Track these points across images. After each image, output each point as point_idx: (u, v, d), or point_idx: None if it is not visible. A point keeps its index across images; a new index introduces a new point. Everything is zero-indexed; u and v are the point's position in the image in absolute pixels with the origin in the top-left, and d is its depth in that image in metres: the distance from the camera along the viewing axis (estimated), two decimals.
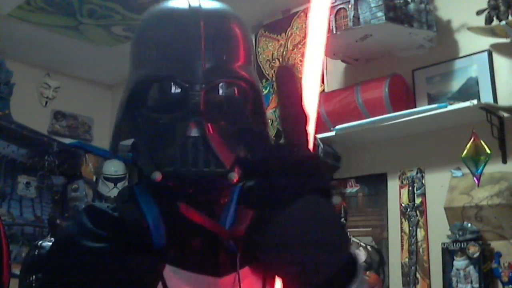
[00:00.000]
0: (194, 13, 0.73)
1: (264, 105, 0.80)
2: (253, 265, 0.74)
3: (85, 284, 0.69)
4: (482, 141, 1.85)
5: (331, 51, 2.41)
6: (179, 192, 0.73)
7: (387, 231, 2.25)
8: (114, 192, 3.40)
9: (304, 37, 2.51)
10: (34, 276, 0.82)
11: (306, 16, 2.37)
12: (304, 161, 0.53)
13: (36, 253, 0.87)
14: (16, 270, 2.81)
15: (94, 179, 3.48)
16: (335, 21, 2.14)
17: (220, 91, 0.73)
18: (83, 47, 3.27)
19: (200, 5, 0.75)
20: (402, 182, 2.25)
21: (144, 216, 0.71)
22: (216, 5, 0.77)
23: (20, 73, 3.37)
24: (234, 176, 0.71)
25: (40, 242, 0.89)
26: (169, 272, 0.71)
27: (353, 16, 2.07)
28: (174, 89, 0.72)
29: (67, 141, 3.51)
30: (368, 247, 2.29)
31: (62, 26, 2.99)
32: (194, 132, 0.70)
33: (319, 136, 2.32)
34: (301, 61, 2.73)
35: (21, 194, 3.18)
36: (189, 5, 0.74)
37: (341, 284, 0.57)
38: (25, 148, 3.22)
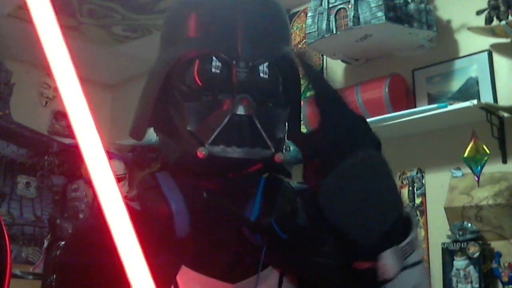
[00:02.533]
0: None
1: (301, 85, 0.78)
2: (275, 262, 0.71)
3: (94, 281, 0.67)
4: (481, 141, 1.86)
5: (331, 51, 2.41)
6: (212, 176, 0.71)
7: None
8: None
9: (304, 37, 2.51)
10: (54, 276, 0.83)
11: (306, 16, 2.37)
12: (361, 118, 0.59)
13: (57, 253, 0.87)
14: (16, 270, 2.81)
15: None
16: (335, 21, 2.13)
17: (265, 71, 0.71)
18: (83, 47, 3.27)
19: None
20: (402, 182, 2.25)
21: (168, 203, 0.67)
22: None
23: (20, 73, 3.37)
24: (283, 156, 0.70)
25: (62, 243, 0.89)
26: (184, 276, 0.69)
27: (353, 16, 2.07)
28: (217, 66, 0.69)
29: (67, 141, 3.51)
30: None
31: (62, 26, 2.99)
32: (241, 110, 0.66)
33: None
34: None
35: (20, 194, 3.18)
36: None
37: (394, 239, 0.60)
38: (25, 148, 3.22)
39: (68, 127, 3.68)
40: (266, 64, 0.71)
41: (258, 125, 0.68)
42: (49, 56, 0.33)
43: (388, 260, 0.59)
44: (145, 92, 0.76)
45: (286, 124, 0.75)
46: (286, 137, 0.75)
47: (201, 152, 0.66)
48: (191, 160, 0.69)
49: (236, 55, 0.69)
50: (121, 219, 0.32)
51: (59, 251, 0.86)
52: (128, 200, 0.74)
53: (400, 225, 0.61)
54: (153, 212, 0.68)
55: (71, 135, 3.67)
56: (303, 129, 0.92)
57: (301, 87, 0.78)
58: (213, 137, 0.67)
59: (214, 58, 0.69)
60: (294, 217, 0.71)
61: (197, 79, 0.70)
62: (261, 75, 0.71)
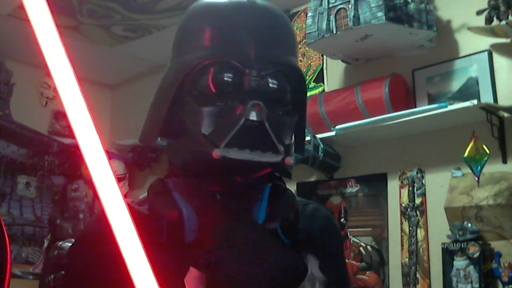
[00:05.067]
0: (252, 5, 0.76)
1: (307, 95, 0.82)
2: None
3: (104, 285, 0.69)
4: (481, 141, 1.86)
5: (331, 51, 2.41)
6: (222, 179, 0.74)
7: (387, 231, 2.25)
8: None
9: (304, 37, 2.51)
10: (52, 276, 0.83)
11: (306, 16, 2.37)
12: None
13: (55, 253, 0.88)
14: (16, 270, 2.81)
15: None
16: (335, 21, 2.13)
17: (274, 79, 0.75)
18: (83, 47, 3.27)
19: (255, 0, 0.77)
20: (402, 182, 2.25)
21: (179, 207, 0.70)
22: (268, 2, 0.80)
23: (20, 73, 3.37)
24: (292, 160, 0.73)
25: (60, 243, 0.89)
26: (191, 276, 0.70)
27: (353, 16, 2.07)
28: (229, 74, 0.72)
29: (67, 141, 3.51)
30: (368, 247, 2.29)
31: (62, 26, 2.99)
32: (253, 116, 0.70)
33: (319, 136, 2.32)
34: (301, 61, 2.73)
35: (20, 194, 3.18)
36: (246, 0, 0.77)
37: None
38: (25, 148, 3.22)
39: (68, 127, 3.68)
40: (276, 73, 0.75)
41: (270, 131, 0.71)
42: (47, 58, 0.33)
43: None
44: (158, 98, 0.78)
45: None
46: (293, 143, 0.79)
47: (216, 153, 0.69)
48: (204, 163, 0.72)
49: (249, 64, 0.72)
50: (121, 218, 0.32)
51: (56, 251, 0.86)
52: (135, 204, 0.76)
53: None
54: (164, 216, 0.70)
55: (71, 135, 3.66)
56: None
57: (307, 97, 0.82)
58: (227, 140, 0.70)
59: (228, 66, 0.72)
60: (296, 225, 0.75)
61: (211, 85, 0.72)
62: (271, 84, 0.74)
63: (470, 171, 1.91)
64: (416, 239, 2.14)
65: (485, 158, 1.84)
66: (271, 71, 0.74)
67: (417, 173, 2.21)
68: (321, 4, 2.20)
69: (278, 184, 0.79)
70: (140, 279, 0.32)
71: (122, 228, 0.33)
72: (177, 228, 0.69)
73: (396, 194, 2.25)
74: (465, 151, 1.87)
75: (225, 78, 0.72)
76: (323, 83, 2.62)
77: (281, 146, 0.73)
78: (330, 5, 2.16)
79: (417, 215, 2.16)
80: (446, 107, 1.95)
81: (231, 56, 0.72)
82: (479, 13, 1.99)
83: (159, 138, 0.80)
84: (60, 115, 3.67)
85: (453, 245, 1.93)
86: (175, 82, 0.74)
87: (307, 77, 2.68)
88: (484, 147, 1.85)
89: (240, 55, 0.72)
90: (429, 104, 2.15)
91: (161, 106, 0.76)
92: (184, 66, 0.74)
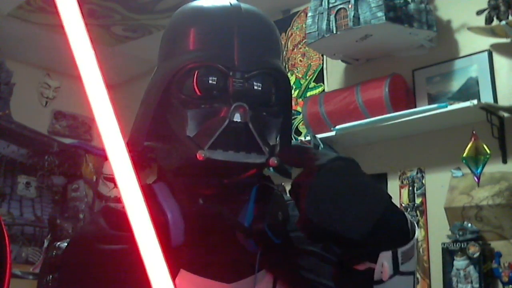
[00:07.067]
0: (236, 9, 0.77)
1: (292, 96, 0.84)
2: (268, 266, 0.73)
3: (98, 286, 0.70)
4: (481, 141, 1.86)
5: (331, 51, 2.41)
6: (208, 181, 0.74)
7: None
8: (114, 192, 3.40)
9: (304, 37, 2.51)
10: (50, 276, 0.84)
11: (306, 16, 2.37)
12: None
13: (53, 253, 0.88)
14: (16, 270, 2.81)
15: (94, 179, 3.48)
16: (335, 21, 2.14)
17: (258, 81, 0.75)
18: None
19: (239, 4, 0.79)
20: (402, 182, 2.25)
21: (164, 212, 0.70)
22: (252, 6, 0.81)
23: (20, 73, 3.37)
24: (277, 160, 0.73)
25: (58, 243, 0.90)
26: (180, 278, 0.71)
27: (353, 16, 2.07)
28: (214, 77, 0.73)
29: (67, 141, 3.51)
30: None
31: (62, 26, 2.99)
32: (237, 118, 0.70)
33: (319, 136, 2.32)
34: (301, 61, 2.73)
35: (20, 194, 3.18)
36: (230, 4, 0.78)
37: (395, 241, 0.64)
38: (25, 148, 3.21)
39: (68, 127, 3.68)
40: (260, 75, 0.75)
41: (254, 132, 0.71)
42: (79, 63, 0.33)
43: (387, 261, 0.62)
44: (144, 102, 0.79)
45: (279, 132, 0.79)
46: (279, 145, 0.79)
47: (200, 155, 0.69)
48: (190, 165, 0.72)
49: (233, 66, 0.73)
50: (140, 215, 0.33)
51: (55, 251, 0.87)
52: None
53: (400, 229, 0.66)
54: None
55: (72, 135, 3.67)
56: (301, 130, 0.97)
57: (292, 98, 0.83)
58: (211, 141, 0.70)
59: (212, 69, 0.73)
60: (286, 224, 0.74)
61: (196, 89, 0.73)
62: (255, 86, 0.75)
63: (470, 171, 1.91)
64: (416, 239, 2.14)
65: (485, 158, 1.84)
66: (255, 73, 0.74)
67: (417, 173, 2.21)
68: (321, 4, 2.20)
69: (265, 184, 0.79)
70: (157, 276, 0.33)
71: (141, 224, 0.33)
72: (163, 232, 0.69)
73: (396, 194, 2.25)
74: (465, 151, 1.87)
75: (210, 81, 0.73)
76: (323, 83, 2.62)
77: (265, 147, 0.73)
78: (330, 5, 2.16)
79: (417, 215, 2.16)
80: (446, 107, 1.96)
81: (215, 59, 0.73)
82: (479, 13, 2.00)
83: (147, 142, 0.80)
84: (60, 115, 3.68)
85: (453, 245, 1.93)
86: (161, 86, 0.75)
87: (307, 77, 2.69)
88: (485, 147, 1.85)
89: (224, 58, 0.73)
90: (429, 104, 2.15)
91: (147, 110, 0.77)
92: (169, 70, 0.75)
